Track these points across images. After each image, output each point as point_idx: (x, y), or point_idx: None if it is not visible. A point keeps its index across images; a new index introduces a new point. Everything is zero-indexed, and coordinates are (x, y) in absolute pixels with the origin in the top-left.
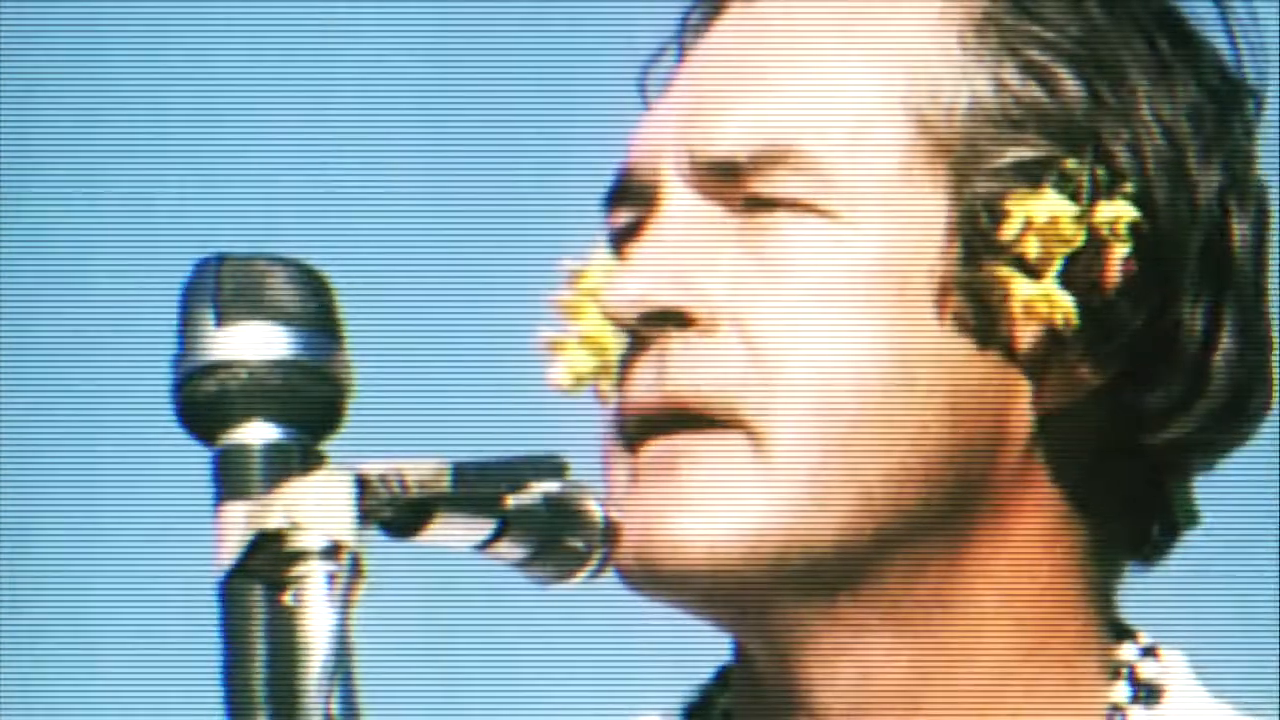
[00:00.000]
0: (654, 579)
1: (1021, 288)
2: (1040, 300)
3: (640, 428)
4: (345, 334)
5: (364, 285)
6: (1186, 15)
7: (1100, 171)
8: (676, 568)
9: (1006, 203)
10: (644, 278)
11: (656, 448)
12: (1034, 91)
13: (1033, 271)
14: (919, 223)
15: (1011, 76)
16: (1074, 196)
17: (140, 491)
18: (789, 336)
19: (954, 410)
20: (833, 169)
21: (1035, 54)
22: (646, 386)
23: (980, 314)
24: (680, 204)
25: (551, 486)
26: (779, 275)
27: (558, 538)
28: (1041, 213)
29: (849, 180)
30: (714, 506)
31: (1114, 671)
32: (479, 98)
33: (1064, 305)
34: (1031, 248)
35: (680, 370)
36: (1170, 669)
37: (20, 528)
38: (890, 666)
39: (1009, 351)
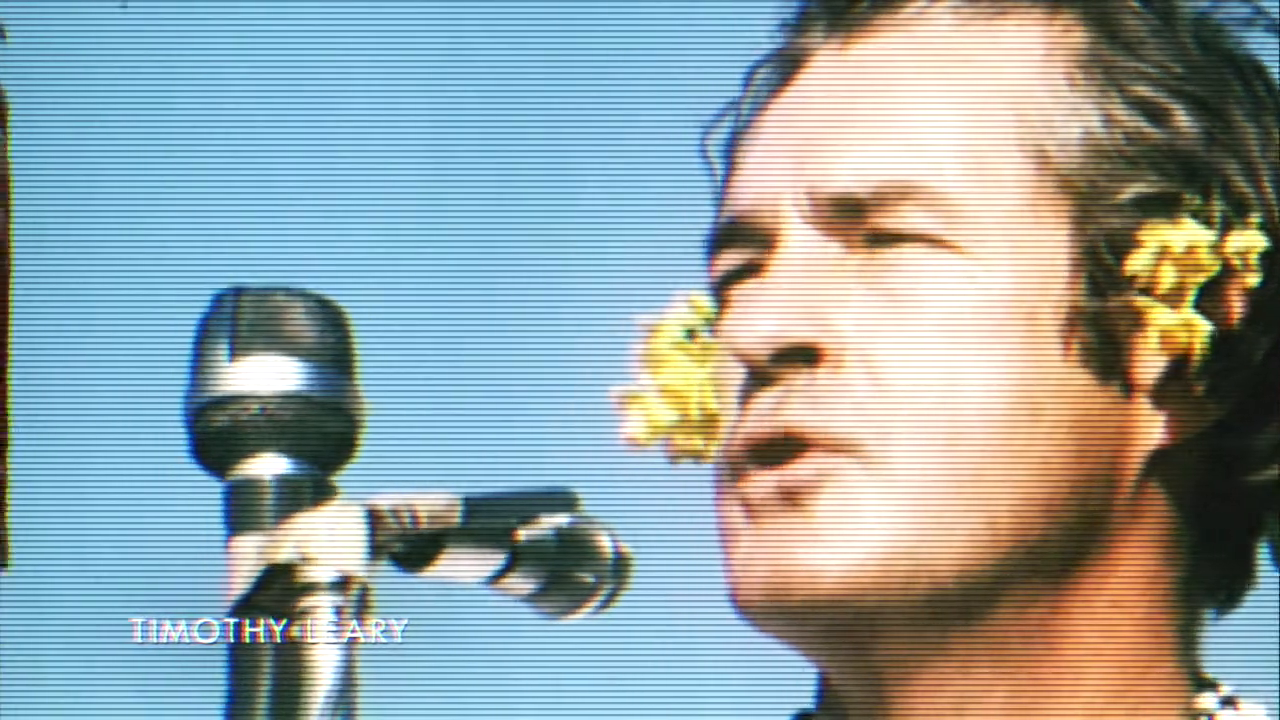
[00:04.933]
0: (784, 611)
1: (1160, 316)
2: (1180, 328)
3: (750, 458)
4: (359, 367)
5: (378, 317)
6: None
7: (1225, 206)
8: (809, 599)
9: (1139, 234)
10: (776, 314)
11: (769, 479)
12: (1144, 126)
13: (1164, 302)
14: (1045, 256)
15: (1120, 111)
16: (1207, 227)
17: (156, 520)
18: (916, 369)
19: (1077, 442)
20: (958, 203)
21: (1143, 89)
22: (762, 418)
23: (1105, 346)
24: (802, 242)
25: (562, 520)
26: (906, 309)
27: (567, 571)
28: (1179, 242)
29: (974, 214)
30: (843, 536)
31: None
32: (489, 128)
33: (1203, 331)
34: (1166, 277)
35: (804, 404)
36: None
37: (30, 551)
38: (987, 698)
39: (1131, 384)
